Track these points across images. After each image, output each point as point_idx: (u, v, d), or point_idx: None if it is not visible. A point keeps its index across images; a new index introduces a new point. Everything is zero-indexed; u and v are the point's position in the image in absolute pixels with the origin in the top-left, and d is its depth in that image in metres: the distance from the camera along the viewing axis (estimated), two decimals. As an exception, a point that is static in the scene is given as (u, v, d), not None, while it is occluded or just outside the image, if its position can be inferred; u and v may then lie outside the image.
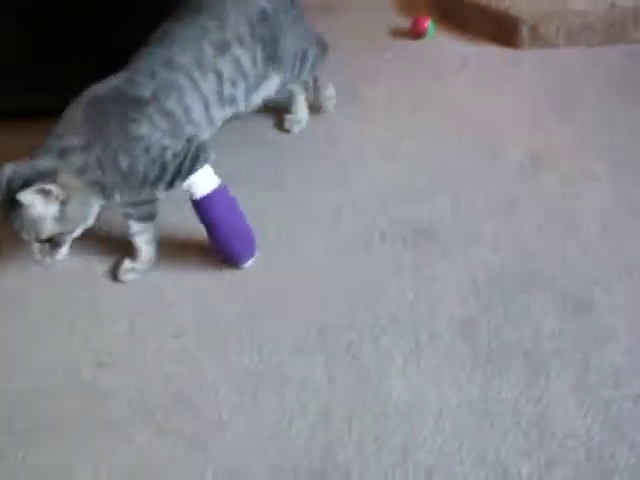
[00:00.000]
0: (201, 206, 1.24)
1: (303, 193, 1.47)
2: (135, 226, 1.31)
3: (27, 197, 1.04)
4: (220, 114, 1.30)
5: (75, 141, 1.13)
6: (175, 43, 1.24)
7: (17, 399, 1.16)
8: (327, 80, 1.64)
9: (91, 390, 1.15)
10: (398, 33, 1.98)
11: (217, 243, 1.29)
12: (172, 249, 1.38)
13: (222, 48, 1.26)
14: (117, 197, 1.19)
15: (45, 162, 1.10)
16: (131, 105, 1.17)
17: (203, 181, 1.22)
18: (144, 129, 1.17)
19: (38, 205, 1.06)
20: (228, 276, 1.31)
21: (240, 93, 1.32)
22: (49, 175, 1.07)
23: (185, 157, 1.21)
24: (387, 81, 1.80)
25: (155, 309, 1.27)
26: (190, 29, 1.26)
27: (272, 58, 1.37)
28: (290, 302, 1.25)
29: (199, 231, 1.30)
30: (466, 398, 1.05)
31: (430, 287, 1.24)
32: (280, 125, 1.66)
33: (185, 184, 1.22)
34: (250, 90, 1.35)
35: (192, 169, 1.21)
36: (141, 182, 1.19)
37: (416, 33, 1.93)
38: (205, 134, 1.29)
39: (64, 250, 1.15)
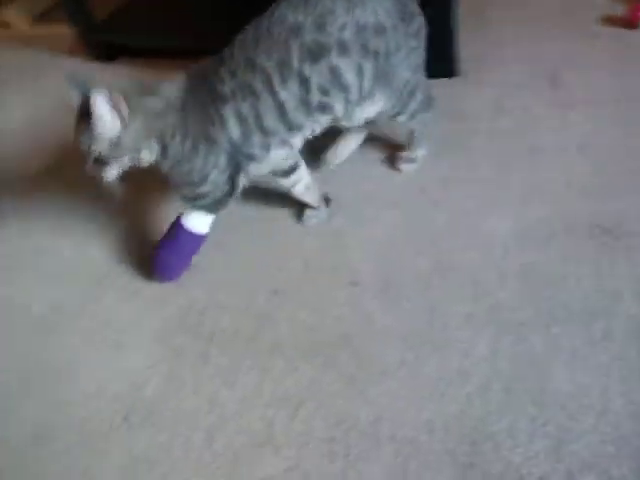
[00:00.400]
0: (178, 229, 1.29)
1: (491, 173, 1.46)
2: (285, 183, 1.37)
3: (100, 104, 1.06)
4: (307, 121, 1.24)
5: (167, 92, 1.17)
6: (262, 40, 1.16)
7: (202, 309, 1.29)
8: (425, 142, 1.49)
9: (264, 314, 1.25)
10: (611, 20, 1.86)
11: (158, 253, 1.32)
12: (359, 198, 1.45)
13: (316, 54, 1.15)
14: (164, 166, 1.21)
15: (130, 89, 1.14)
16: (213, 100, 1.18)
17: (197, 220, 1.29)
18: (218, 132, 1.19)
19: (106, 118, 1.08)
20: (417, 234, 1.35)
21: (338, 104, 1.23)
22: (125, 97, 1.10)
23: (216, 192, 1.25)
24: (592, 69, 1.70)
25: (336, 254, 1.34)
26: (283, 25, 1.14)
27: (382, 77, 1.24)
28: (467, 274, 1.25)
29: (388, 183, 1.42)
30: (632, 404, 1.01)
31: (609, 285, 1.18)
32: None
33: (188, 207, 1.28)
34: (352, 103, 1.25)
35: (211, 209, 1.28)
36: (185, 173, 1.22)
37: (632, 21, 1.82)
38: (293, 139, 1.26)
39: (112, 173, 1.15)
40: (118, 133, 1.11)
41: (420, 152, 1.49)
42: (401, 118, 1.38)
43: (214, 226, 1.35)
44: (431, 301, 1.21)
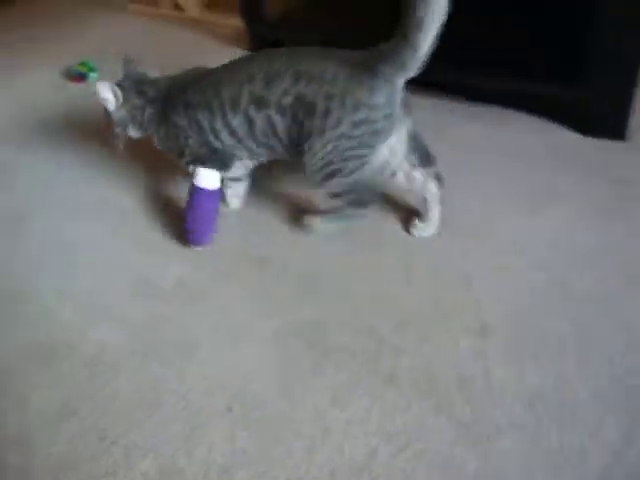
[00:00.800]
0: (192, 191, 1.45)
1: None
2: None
3: (101, 89, 1.44)
4: (260, 151, 1.40)
5: (151, 93, 1.45)
6: (231, 73, 1.35)
7: (324, 322, 1.29)
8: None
9: (386, 341, 1.23)
10: None
11: (185, 222, 1.48)
12: (502, 249, 1.40)
13: (260, 104, 1.30)
14: (156, 143, 1.50)
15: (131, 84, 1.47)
16: (183, 103, 1.40)
17: (204, 177, 1.43)
18: (183, 122, 1.41)
19: (106, 99, 1.45)
20: (559, 297, 1.29)
21: (279, 149, 1.38)
22: (125, 90, 1.45)
23: (200, 157, 1.44)
24: None
25: (470, 296, 1.31)
26: (246, 70, 1.32)
27: (301, 147, 1.32)
28: (607, 350, 1.18)
29: (536, 240, 1.38)
30: None
31: None
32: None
33: (191, 169, 1.46)
34: (298, 155, 1.35)
35: (208, 167, 1.44)
36: (168, 148, 1.49)
37: None
38: (247, 158, 1.45)
39: (117, 136, 1.51)
40: (113, 110, 1.46)
41: (323, 224, 1.46)
42: (328, 190, 1.39)
43: (351, 241, 1.36)
44: (561, 368, 1.15)
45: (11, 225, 1.67)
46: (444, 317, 1.27)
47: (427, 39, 1.15)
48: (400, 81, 1.24)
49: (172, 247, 1.52)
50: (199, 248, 1.49)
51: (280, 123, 1.31)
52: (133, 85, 1.46)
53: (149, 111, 1.46)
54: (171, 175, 1.74)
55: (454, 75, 1.79)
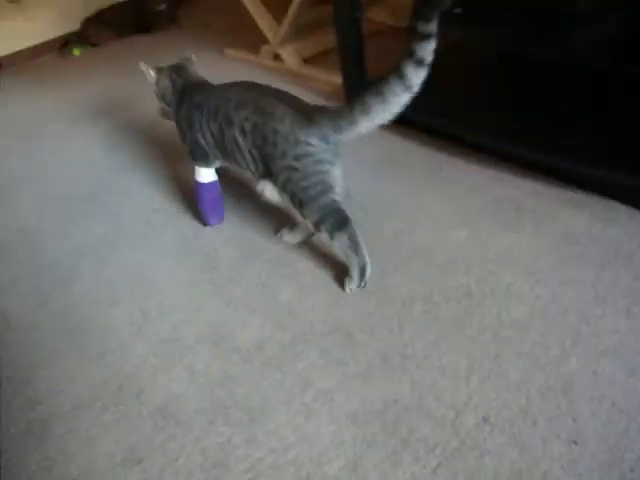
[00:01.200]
0: (195, 185, 1.77)
1: None
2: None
3: (143, 68, 1.75)
4: (230, 158, 1.60)
5: (178, 83, 1.73)
6: (220, 91, 1.60)
7: (406, 407, 1.22)
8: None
9: (469, 438, 1.16)
10: None
11: (199, 206, 1.81)
12: (602, 351, 1.30)
13: (228, 122, 1.53)
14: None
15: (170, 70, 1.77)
16: (192, 102, 1.65)
17: (201, 173, 1.73)
18: (185, 115, 1.68)
19: (146, 75, 1.76)
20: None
21: (244, 165, 1.57)
22: (162, 72, 1.76)
23: (193, 152, 1.70)
24: None
25: (562, 402, 1.20)
26: (226, 93, 1.57)
27: (265, 170, 1.51)
28: None
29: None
30: None
31: None
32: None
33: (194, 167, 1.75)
34: (258, 173, 1.54)
35: (199, 164, 1.72)
36: (181, 138, 1.73)
37: None
38: (220, 158, 1.66)
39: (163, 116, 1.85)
40: (152, 84, 1.77)
41: (349, 284, 1.51)
42: (308, 222, 1.50)
43: (440, 320, 1.34)
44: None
45: (95, 257, 1.70)
46: (534, 418, 1.18)
47: (369, 124, 1.32)
48: (333, 136, 1.40)
49: (255, 302, 1.51)
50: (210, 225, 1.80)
51: (242, 143, 1.52)
52: (169, 71, 1.76)
53: (173, 98, 1.74)
54: (259, 225, 1.74)
55: (565, 162, 1.77)
